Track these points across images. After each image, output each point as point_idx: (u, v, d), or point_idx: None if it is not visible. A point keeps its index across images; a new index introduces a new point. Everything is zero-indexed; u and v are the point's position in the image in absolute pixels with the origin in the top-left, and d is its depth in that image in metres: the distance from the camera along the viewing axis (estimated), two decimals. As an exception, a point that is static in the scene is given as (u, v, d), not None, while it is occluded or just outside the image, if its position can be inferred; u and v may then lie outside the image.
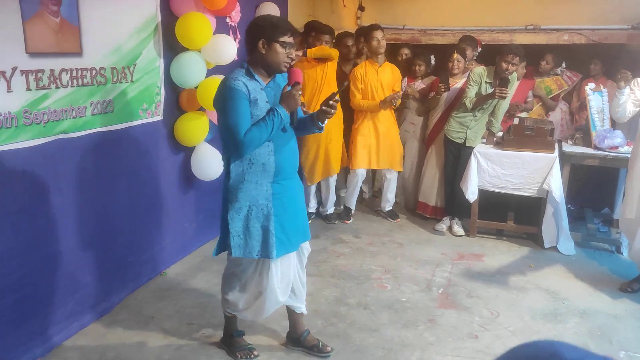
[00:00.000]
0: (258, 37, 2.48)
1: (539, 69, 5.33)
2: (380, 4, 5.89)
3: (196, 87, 3.81)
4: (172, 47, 3.71)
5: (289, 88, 2.57)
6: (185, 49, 3.71)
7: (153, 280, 3.81)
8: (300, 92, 2.55)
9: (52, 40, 2.78)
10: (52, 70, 2.77)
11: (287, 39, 2.51)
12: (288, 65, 2.57)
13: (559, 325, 3.34)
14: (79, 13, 2.92)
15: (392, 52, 5.48)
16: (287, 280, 2.78)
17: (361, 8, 5.93)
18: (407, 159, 5.44)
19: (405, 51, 5.51)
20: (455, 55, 4.82)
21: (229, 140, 2.50)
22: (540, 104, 5.31)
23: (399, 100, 4.93)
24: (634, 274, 3.87)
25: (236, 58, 4.02)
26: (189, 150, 4.04)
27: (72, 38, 2.91)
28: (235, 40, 4.12)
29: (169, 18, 3.66)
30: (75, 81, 2.93)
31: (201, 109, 3.93)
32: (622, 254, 4.47)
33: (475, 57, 5.11)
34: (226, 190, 2.64)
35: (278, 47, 2.49)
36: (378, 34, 4.76)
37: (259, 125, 2.47)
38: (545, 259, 4.35)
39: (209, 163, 4.02)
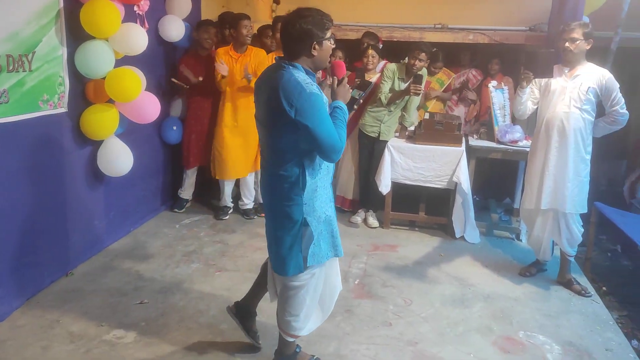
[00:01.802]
0: (311, 40, 2.35)
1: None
2: (295, -2, 5.90)
3: (104, 78, 3.63)
4: (77, 35, 3.51)
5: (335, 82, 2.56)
6: (91, 38, 3.52)
7: (58, 281, 3.60)
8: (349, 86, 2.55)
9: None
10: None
11: (330, 32, 2.45)
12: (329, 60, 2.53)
13: (466, 310, 3.53)
14: (-32, -5, 2.70)
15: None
16: (337, 270, 2.79)
17: (276, 1, 5.91)
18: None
19: None
20: (370, 51, 4.92)
21: (323, 149, 2.29)
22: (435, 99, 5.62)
23: None
24: (531, 259, 4.16)
25: (146, 49, 3.87)
26: (96, 144, 3.85)
27: (-40, 22, 2.67)
28: (143, 29, 3.96)
29: (73, 4, 3.46)
30: (-36, 69, 2.70)
31: (110, 100, 3.75)
32: (521, 240, 4.79)
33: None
34: (297, 204, 2.42)
35: (327, 43, 2.42)
36: (247, 23, 4.59)
37: (339, 126, 2.38)
38: (454, 248, 4.58)
39: (118, 158, 3.85)
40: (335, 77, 2.56)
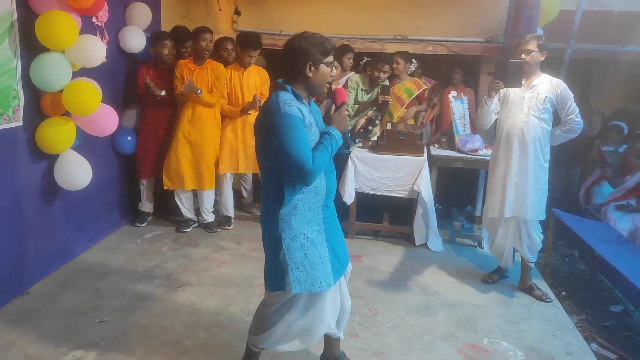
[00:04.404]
0: (306, 60, 2.35)
1: (394, 72, 5.54)
2: (256, 9, 5.90)
3: (61, 91, 3.53)
4: (32, 47, 3.41)
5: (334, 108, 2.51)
6: (46, 50, 3.43)
7: (13, 301, 3.47)
8: (347, 112, 2.46)
9: None
10: None
11: (331, 58, 2.43)
12: (328, 85, 2.46)
13: (430, 318, 3.56)
14: None
15: (272, 59, 5.49)
16: (337, 306, 2.68)
17: (237, 12, 5.90)
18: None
19: None
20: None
21: (293, 169, 2.30)
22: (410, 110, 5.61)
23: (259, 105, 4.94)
24: (493, 266, 4.23)
25: (105, 60, 3.80)
26: (52, 158, 3.74)
27: None
28: (103, 41, 3.88)
29: (28, 15, 3.37)
30: None
31: (66, 113, 3.65)
32: (483, 248, 4.88)
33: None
34: (275, 218, 2.42)
35: (325, 68, 2.40)
36: (208, 36, 4.64)
37: (320, 150, 2.35)
38: (417, 257, 4.62)
39: (76, 171, 3.76)
40: (333, 104, 2.55)
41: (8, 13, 3.24)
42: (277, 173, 2.39)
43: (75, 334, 3.14)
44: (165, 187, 4.87)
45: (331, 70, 2.45)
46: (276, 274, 2.49)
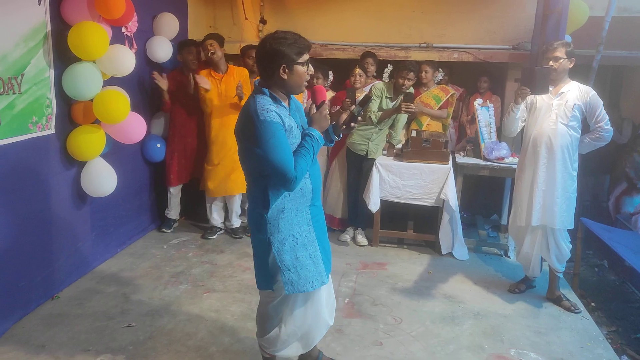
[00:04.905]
0: (279, 62, 2.28)
1: (422, 80, 5.50)
2: (281, 17, 5.96)
3: (91, 100, 3.62)
4: (64, 57, 3.51)
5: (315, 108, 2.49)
6: (78, 60, 3.52)
7: (43, 305, 3.55)
8: (328, 111, 2.47)
9: None
10: None
11: (306, 57, 2.36)
12: (306, 84, 2.45)
13: (456, 328, 3.52)
14: (-44, 19, 2.69)
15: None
16: (332, 302, 2.69)
17: (263, 21, 5.97)
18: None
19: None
20: (357, 70, 4.97)
21: (276, 176, 2.30)
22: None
23: None
24: (520, 275, 4.17)
25: (133, 70, 3.88)
26: (82, 165, 3.82)
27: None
28: (131, 50, 3.96)
29: (61, 27, 3.47)
30: (-48, 92, 2.68)
31: (96, 121, 3.74)
32: (509, 257, 4.81)
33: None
34: (263, 222, 2.41)
35: (300, 68, 2.33)
36: (211, 41, 4.67)
37: (302, 154, 2.33)
38: (442, 265, 4.58)
39: (102, 179, 3.84)
40: (313, 103, 2.51)
41: (42, 24, 3.34)
42: (261, 178, 2.38)
43: (103, 338, 3.20)
44: (209, 195, 4.90)
45: (307, 70, 2.40)
46: (265, 275, 2.52)
